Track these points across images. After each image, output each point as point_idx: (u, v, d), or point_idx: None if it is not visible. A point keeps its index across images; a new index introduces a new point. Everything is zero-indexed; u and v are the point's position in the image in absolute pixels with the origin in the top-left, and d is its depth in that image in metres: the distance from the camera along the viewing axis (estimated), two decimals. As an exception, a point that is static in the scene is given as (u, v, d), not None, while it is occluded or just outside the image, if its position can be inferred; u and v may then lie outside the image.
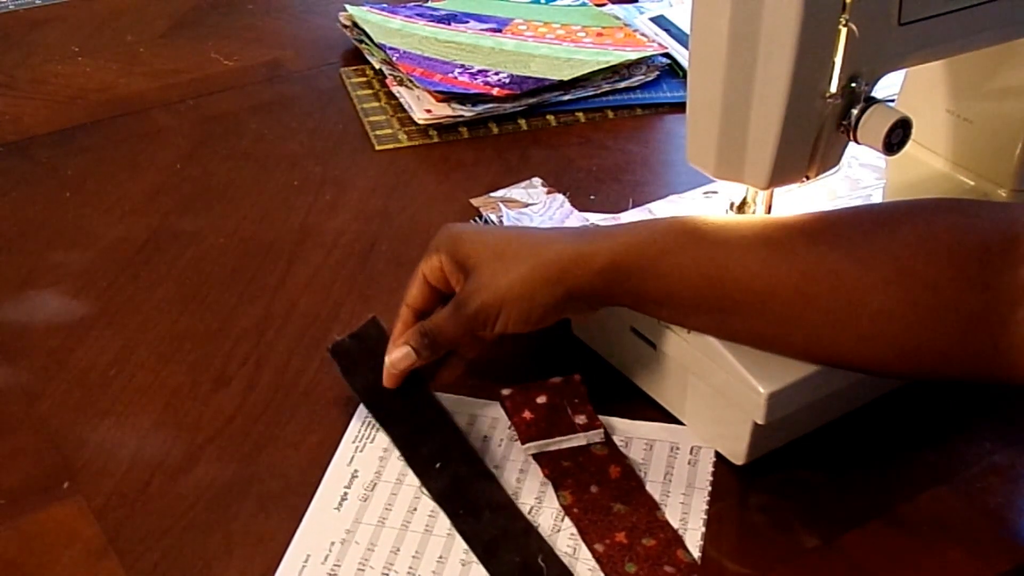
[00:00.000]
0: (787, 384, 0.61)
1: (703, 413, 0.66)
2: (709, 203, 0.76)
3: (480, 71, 1.02)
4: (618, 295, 0.62)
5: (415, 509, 0.63)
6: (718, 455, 0.66)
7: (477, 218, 0.86)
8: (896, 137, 0.61)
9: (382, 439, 0.67)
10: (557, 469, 0.64)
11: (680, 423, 0.68)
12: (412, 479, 0.64)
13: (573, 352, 0.73)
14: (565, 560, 0.59)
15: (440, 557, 0.60)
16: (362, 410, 0.69)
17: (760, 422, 0.61)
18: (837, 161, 0.65)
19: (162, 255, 0.83)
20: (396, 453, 0.66)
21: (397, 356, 0.66)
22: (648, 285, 0.61)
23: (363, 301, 0.79)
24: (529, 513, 0.62)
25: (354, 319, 0.77)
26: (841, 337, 0.59)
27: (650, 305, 0.63)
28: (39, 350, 0.74)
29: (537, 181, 0.91)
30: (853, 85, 0.61)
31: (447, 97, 0.99)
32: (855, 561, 0.61)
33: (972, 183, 0.77)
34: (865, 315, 0.58)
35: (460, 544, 0.61)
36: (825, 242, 0.59)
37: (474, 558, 0.60)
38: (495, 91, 0.99)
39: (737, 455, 0.65)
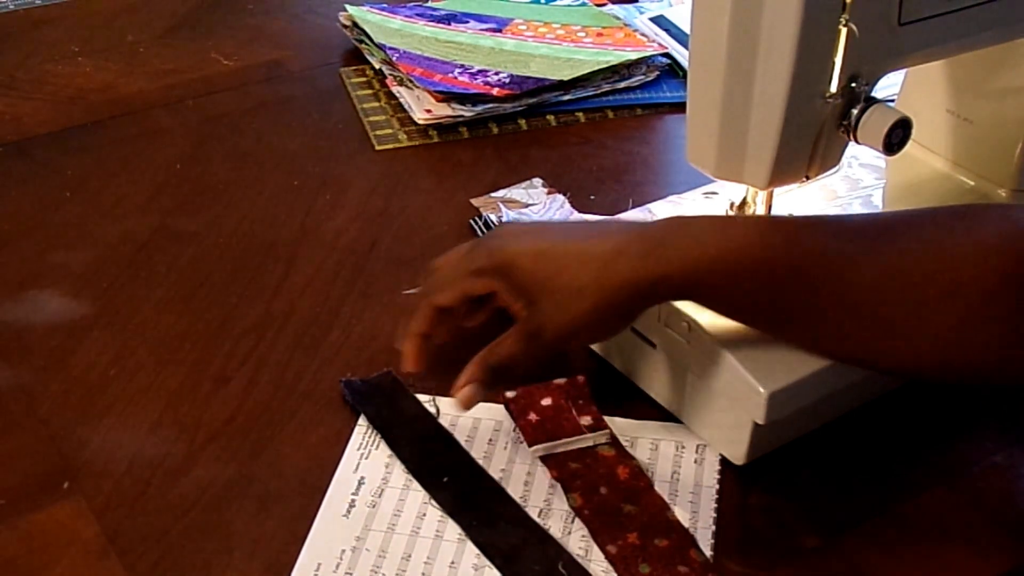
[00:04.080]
0: (787, 384, 0.61)
1: (703, 413, 0.66)
2: (709, 203, 0.76)
3: (480, 71, 1.02)
4: (687, 299, 0.62)
5: (424, 515, 0.62)
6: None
7: (476, 219, 0.86)
8: (896, 137, 0.61)
9: (387, 445, 0.67)
10: (565, 471, 0.64)
11: (681, 422, 0.68)
12: (419, 484, 0.64)
13: (573, 352, 0.73)
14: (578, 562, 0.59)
15: (452, 563, 0.60)
16: (364, 418, 0.68)
17: (760, 422, 0.61)
18: (837, 161, 0.65)
19: (162, 255, 0.83)
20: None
21: (466, 396, 0.61)
22: (716, 302, 0.60)
23: (363, 301, 0.79)
24: (539, 516, 0.62)
25: (354, 319, 0.77)
26: (894, 347, 0.58)
27: (710, 307, 0.62)
28: (39, 350, 0.74)
29: (537, 181, 0.91)
30: (853, 85, 0.61)
31: (447, 97, 0.99)
32: (855, 561, 0.61)
33: (972, 183, 0.77)
34: (927, 331, 0.57)
35: (472, 549, 0.60)
36: (894, 252, 0.58)
37: (486, 563, 0.59)
38: (495, 91, 0.99)
39: (737, 455, 0.65)
